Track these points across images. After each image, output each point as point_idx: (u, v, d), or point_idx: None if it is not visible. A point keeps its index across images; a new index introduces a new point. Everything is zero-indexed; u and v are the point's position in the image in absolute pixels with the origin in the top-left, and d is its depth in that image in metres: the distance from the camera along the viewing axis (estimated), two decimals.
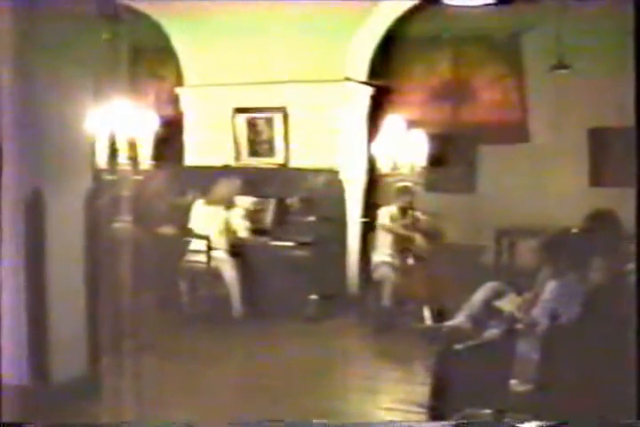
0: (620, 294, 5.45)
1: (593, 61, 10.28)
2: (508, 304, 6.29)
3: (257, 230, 9.65)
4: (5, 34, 5.72)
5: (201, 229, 9.45)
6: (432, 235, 9.32)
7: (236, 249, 9.50)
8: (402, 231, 9.17)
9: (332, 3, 9.58)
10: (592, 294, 5.51)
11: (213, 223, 9.42)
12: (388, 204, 9.48)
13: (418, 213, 9.31)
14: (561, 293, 5.60)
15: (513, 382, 5.31)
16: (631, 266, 5.75)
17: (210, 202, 9.59)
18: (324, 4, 9.59)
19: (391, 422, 5.93)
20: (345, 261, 10.15)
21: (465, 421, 5.08)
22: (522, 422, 4.85)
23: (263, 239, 9.58)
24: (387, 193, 9.84)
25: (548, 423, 4.67)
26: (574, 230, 6.23)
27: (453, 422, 5.02)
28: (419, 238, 9.14)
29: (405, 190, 9.29)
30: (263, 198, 9.89)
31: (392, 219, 9.27)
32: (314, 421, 5.79)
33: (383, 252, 9.26)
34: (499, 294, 6.66)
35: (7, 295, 5.80)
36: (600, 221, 6.34)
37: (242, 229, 9.45)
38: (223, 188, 9.66)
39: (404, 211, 9.30)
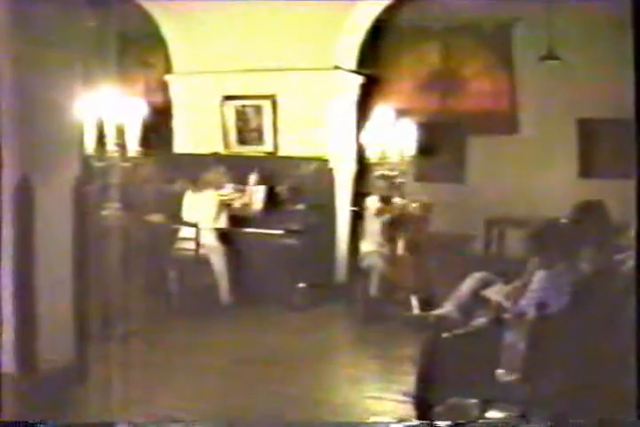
0: (609, 285, 5.47)
1: (582, 52, 10.30)
2: (495, 294, 6.30)
3: (246, 218, 9.65)
4: None
5: (190, 216, 9.46)
6: (419, 223, 9.33)
7: (225, 237, 9.49)
8: (390, 220, 9.17)
9: None
10: (580, 285, 5.52)
11: (202, 211, 9.42)
12: (374, 192, 9.50)
13: (404, 201, 9.30)
14: (549, 283, 5.60)
15: (499, 371, 5.32)
16: (620, 256, 5.78)
17: (198, 190, 9.59)
18: None
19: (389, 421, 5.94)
20: (334, 249, 10.16)
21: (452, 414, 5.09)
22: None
23: (252, 227, 9.58)
24: (372, 182, 9.85)
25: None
26: (563, 220, 6.23)
27: (451, 423, 5.03)
28: (406, 226, 9.15)
29: (386, 179, 9.28)
30: (252, 186, 9.87)
31: (377, 208, 9.28)
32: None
33: (372, 240, 9.26)
34: (486, 284, 6.66)
35: None
36: (589, 211, 6.34)
37: (228, 215, 9.47)
38: (210, 175, 9.66)
39: (387, 199, 9.29)
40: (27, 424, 5.08)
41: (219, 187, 9.66)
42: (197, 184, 9.63)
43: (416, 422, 5.19)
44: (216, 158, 10.17)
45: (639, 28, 4.54)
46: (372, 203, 9.30)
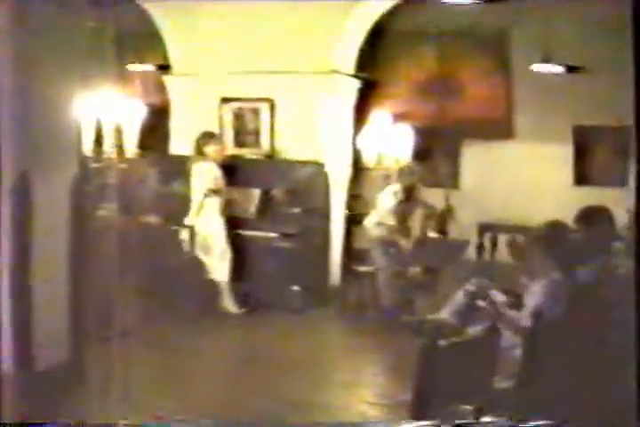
0: (607, 291, 5.48)
1: (580, 58, 10.31)
2: (491, 301, 6.31)
3: (240, 220, 9.65)
4: None
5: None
6: (444, 211, 9.35)
7: (221, 239, 9.48)
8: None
9: None
10: (578, 292, 5.53)
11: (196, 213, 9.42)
12: (372, 196, 9.51)
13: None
14: (546, 290, 5.62)
15: (495, 378, 5.33)
16: (617, 261, 5.78)
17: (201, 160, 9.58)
18: None
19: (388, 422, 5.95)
20: (328, 252, 10.16)
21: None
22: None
23: (247, 230, 9.58)
24: (372, 185, 9.85)
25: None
26: (562, 227, 6.21)
27: (454, 423, 5.03)
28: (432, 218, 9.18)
29: (409, 170, 9.25)
30: (248, 189, 9.87)
31: (396, 197, 9.23)
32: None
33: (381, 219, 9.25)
34: (482, 291, 6.68)
35: None
36: (593, 217, 6.33)
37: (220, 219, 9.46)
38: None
39: (408, 190, 9.23)
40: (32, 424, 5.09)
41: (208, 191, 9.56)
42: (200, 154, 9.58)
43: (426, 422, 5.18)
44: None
45: (639, 35, 4.56)
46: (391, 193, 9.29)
